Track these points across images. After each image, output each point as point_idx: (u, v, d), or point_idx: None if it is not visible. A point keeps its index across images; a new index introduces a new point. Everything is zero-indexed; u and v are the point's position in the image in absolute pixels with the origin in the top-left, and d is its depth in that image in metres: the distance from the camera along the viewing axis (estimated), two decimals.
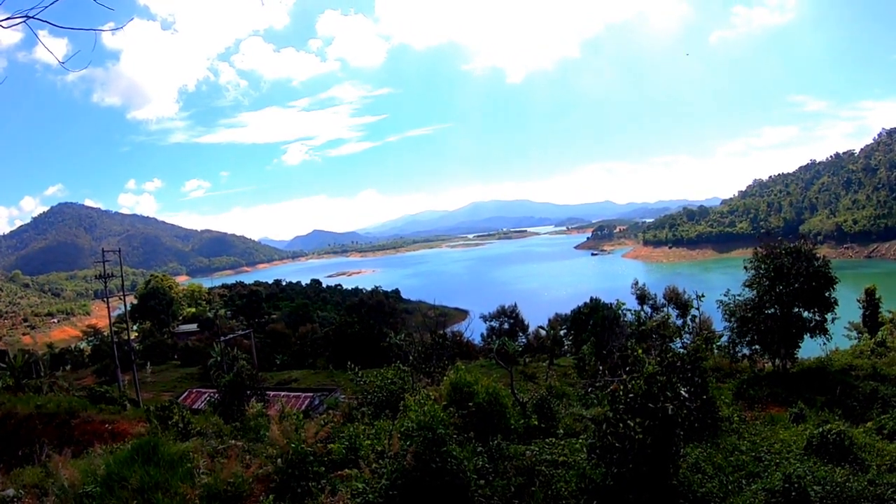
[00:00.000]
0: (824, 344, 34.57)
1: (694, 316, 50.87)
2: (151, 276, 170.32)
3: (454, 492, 12.06)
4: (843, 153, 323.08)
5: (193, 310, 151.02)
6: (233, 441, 15.90)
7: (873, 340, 39.72)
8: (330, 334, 79.20)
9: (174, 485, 12.16)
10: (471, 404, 16.14)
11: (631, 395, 12.32)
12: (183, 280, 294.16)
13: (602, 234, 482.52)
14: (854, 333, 48.46)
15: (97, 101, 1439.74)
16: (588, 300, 52.68)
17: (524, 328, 72.53)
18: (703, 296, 50.98)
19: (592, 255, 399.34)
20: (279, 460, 13.28)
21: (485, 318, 72.60)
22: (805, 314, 32.97)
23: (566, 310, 62.57)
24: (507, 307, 72.17)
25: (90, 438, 21.78)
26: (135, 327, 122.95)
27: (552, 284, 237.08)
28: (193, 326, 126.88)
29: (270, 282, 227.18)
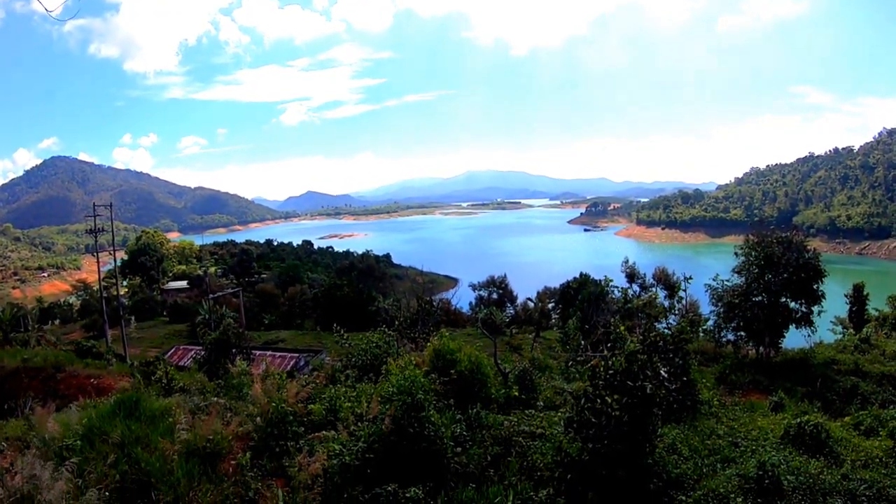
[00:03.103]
0: (809, 336, 34.92)
1: (681, 298, 51.15)
2: (143, 232, 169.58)
3: (430, 457, 12.10)
4: (843, 149, 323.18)
5: (184, 267, 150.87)
6: (215, 398, 15.91)
7: (858, 337, 40.01)
8: (319, 296, 79.24)
9: (154, 440, 12.19)
10: (453, 372, 16.16)
11: (611, 372, 12.32)
12: (174, 237, 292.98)
13: (596, 210, 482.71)
14: (839, 328, 48.82)
15: (94, 52, 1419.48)
16: (578, 275, 52.87)
17: (513, 299, 72.73)
18: (691, 278, 51.29)
19: (585, 230, 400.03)
20: (259, 419, 13.33)
21: (474, 287, 72.75)
22: (792, 304, 33.24)
23: (555, 283, 62.69)
24: (496, 278, 72.29)
25: (75, 393, 21.84)
26: (124, 283, 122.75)
27: (544, 258, 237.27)
28: (183, 284, 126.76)
29: (262, 241, 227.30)
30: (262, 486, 11.57)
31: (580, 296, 42.53)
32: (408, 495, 11.08)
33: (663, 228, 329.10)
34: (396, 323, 28.01)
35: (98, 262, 67.29)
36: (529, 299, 70.07)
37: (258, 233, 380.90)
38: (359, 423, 13.39)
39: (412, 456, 12.00)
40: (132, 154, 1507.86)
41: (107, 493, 10.54)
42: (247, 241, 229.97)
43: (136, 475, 11.06)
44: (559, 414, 14.92)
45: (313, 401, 15.12)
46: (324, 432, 13.47)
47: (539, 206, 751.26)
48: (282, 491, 11.43)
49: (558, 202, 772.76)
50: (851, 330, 46.15)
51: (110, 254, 67.79)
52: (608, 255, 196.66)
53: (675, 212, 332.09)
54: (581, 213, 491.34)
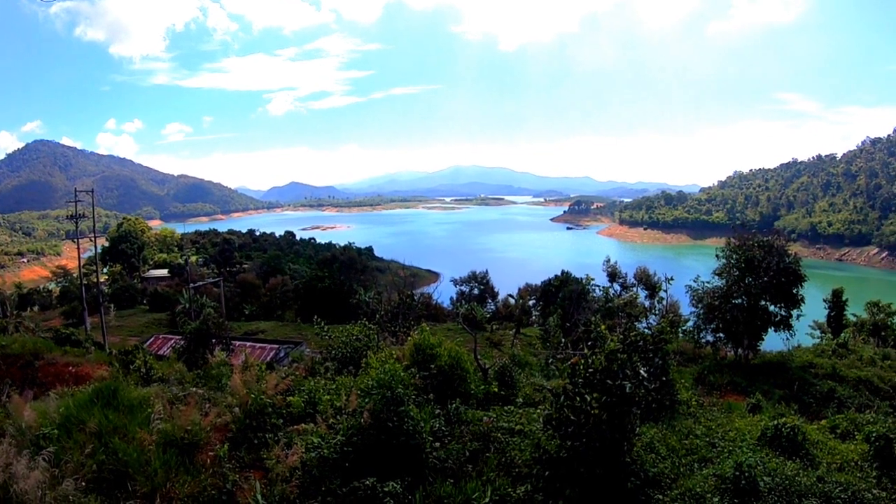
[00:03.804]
0: (787, 339, 35.24)
1: (662, 298, 51.46)
2: (124, 218, 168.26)
3: (409, 452, 12.11)
4: (826, 156, 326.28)
5: (165, 255, 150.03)
6: (193, 389, 15.82)
7: (836, 341, 40.43)
8: (300, 288, 79.03)
9: (132, 430, 12.08)
10: (432, 366, 16.19)
11: (590, 370, 12.37)
12: (156, 225, 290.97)
13: (579, 209, 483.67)
14: (817, 332, 49.36)
15: (80, 34, 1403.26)
16: (559, 273, 53.02)
17: (494, 295, 72.83)
18: (672, 279, 51.60)
19: (568, 228, 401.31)
20: (237, 410, 13.26)
21: (455, 283, 72.77)
22: (771, 308, 33.51)
23: (537, 280, 62.81)
24: (478, 273, 72.33)
25: (53, 381, 21.56)
26: (105, 270, 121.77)
27: (526, 255, 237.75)
28: (164, 272, 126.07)
29: (244, 231, 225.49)
30: (240, 478, 11.50)
31: (561, 294, 42.75)
32: (386, 489, 11.10)
33: (645, 229, 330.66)
34: (377, 316, 28.09)
35: (78, 248, 66.58)
36: (511, 296, 70.25)
37: (241, 222, 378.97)
38: (338, 417, 13.37)
39: (391, 450, 12.00)
40: (116, 140, 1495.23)
41: (83, 483, 10.46)
42: (229, 230, 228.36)
43: (113, 465, 10.98)
44: (538, 411, 14.98)
45: (292, 393, 15.08)
46: (302, 425, 13.45)
47: (523, 203, 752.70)
48: (259, 483, 11.37)
49: (542, 199, 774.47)
50: (830, 334, 46.65)
51: (91, 240, 66.89)
52: (590, 253, 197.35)
53: (658, 212, 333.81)
54: (564, 211, 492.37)
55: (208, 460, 11.81)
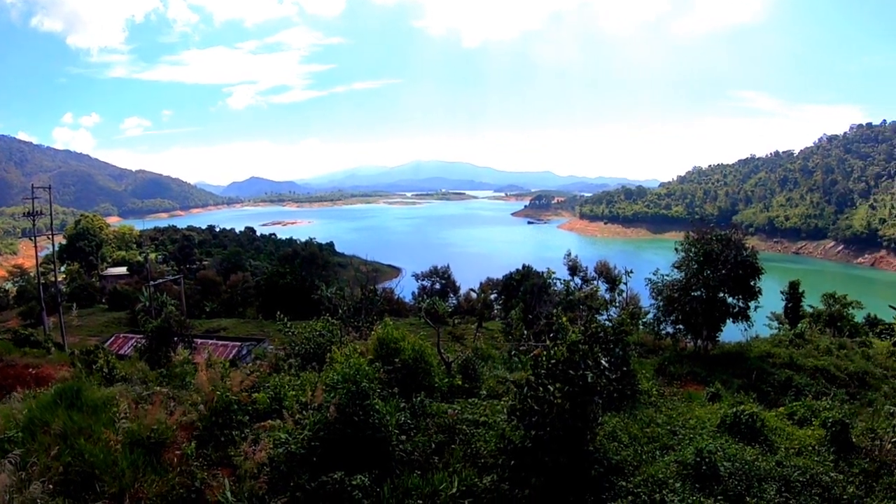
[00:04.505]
0: (745, 330, 35.85)
1: (622, 291, 52.09)
2: (82, 215, 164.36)
3: (375, 445, 12.21)
4: (783, 152, 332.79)
5: (123, 253, 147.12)
6: (158, 387, 15.74)
7: (792, 332, 41.16)
8: (261, 284, 78.31)
9: (97, 430, 11.98)
10: (396, 360, 16.32)
11: (553, 361, 12.59)
12: (114, 221, 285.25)
13: (540, 203, 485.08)
14: (775, 323, 50.29)
15: (37, 24, 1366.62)
16: (520, 267, 53.32)
17: (455, 290, 72.96)
18: (631, 272, 52.34)
19: (529, 223, 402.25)
20: (203, 408, 13.24)
21: (417, 277, 72.80)
22: (729, 300, 34.10)
23: (498, 275, 63.10)
24: (439, 268, 72.40)
25: (13, 383, 21.18)
26: (62, 269, 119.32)
27: (487, 250, 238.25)
28: (123, 270, 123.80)
29: (204, 227, 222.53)
30: (208, 476, 11.50)
31: (523, 287, 43.01)
32: (354, 482, 11.18)
33: (606, 223, 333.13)
34: (340, 311, 28.00)
35: (36, 246, 65.41)
36: (472, 290, 70.50)
37: (200, 218, 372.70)
38: (304, 412, 13.43)
39: (357, 444, 12.08)
40: (73, 134, 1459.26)
41: (50, 486, 10.38)
42: (188, 226, 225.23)
43: (79, 467, 10.89)
44: (502, 402, 15.16)
45: (257, 389, 15.09)
46: (269, 421, 13.48)
47: (484, 198, 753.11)
48: (228, 480, 11.39)
49: (503, 194, 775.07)
50: (787, 325, 47.54)
51: (48, 238, 65.77)
52: (551, 247, 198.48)
53: (618, 207, 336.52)
54: (525, 206, 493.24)
55: (175, 459, 11.78)
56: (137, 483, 10.84)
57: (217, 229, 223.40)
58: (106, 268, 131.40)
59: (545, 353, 12.90)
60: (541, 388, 12.50)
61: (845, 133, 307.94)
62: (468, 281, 75.00)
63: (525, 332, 31.99)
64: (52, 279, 74.67)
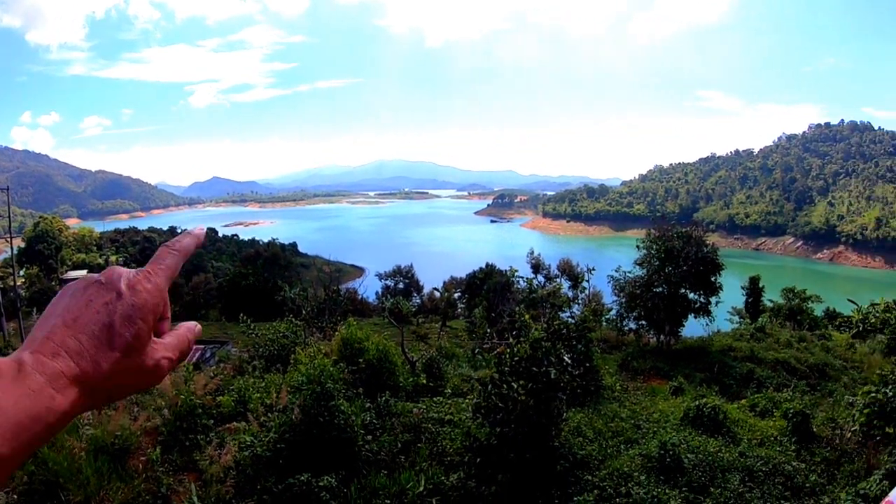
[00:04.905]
0: (707, 325, 36.49)
1: (584, 288, 52.48)
2: (41, 217, 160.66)
3: (341, 446, 12.25)
4: (743, 151, 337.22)
5: (84, 256, 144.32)
6: None
7: (753, 326, 41.82)
8: (224, 286, 77.41)
9: (60, 438, 11.86)
10: (361, 360, 16.34)
11: (516, 359, 12.74)
12: (74, 223, 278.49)
13: (503, 202, 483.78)
14: (736, 318, 51.05)
15: None
16: (484, 265, 53.40)
17: (419, 289, 72.63)
18: (593, 269, 52.67)
19: (492, 221, 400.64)
20: (167, 412, 13.15)
21: (380, 277, 72.27)
22: (691, 295, 34.58)
23: (462, 273, 63.12)
24: (403, 267, 72.16)
25: None
26: (21, 273, 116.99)
27: (450, 249, 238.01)
28: (83, 273, 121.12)
29: (165, 228, 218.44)
30: (174, 482, 11.45)
31: (486, 286, 43.09)
32: (321, 484, 11.19)
33: (568, 221, 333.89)
34: (304, 312, 27.87)
35: None
36: (436, 289, 70.23)
37: (162, 219, 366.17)
38: (269, 414, 13.42)
39: (324, 444, 12.09)
40: (31, 134, 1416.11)
41: (14, 496, 10.26)
42: (150, 228, 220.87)
43: (43, 475, 10.74)
44: (467, 400, 15.31)
45: (222, 392, 15.02)
46: (234, 424, 13.44)
47: (447, 197, 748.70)
48: (194, 485, 11.35)
49: (466, 193, 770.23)
50: (748, 319, 48.26)
51: (6, 241, 64.41)
52: (514, 246, 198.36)
53: (581, 205, 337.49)
54: (488, 205, 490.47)
55: (141, 465, 11.69)
56: (103, 491, 10.75)
57: (178, 230, 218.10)
58: (66, 271, 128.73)
59: (509, 350, 13.04)
60: (504, 386, 12.64)
61: (804, 132, 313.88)
62: (432, 280, 74.62)
63: (488, 330, 32.10)
64: (11, 283, 72.94)
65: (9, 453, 0.63)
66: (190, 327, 0.97)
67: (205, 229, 1.06)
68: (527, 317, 14.38)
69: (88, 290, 0.80)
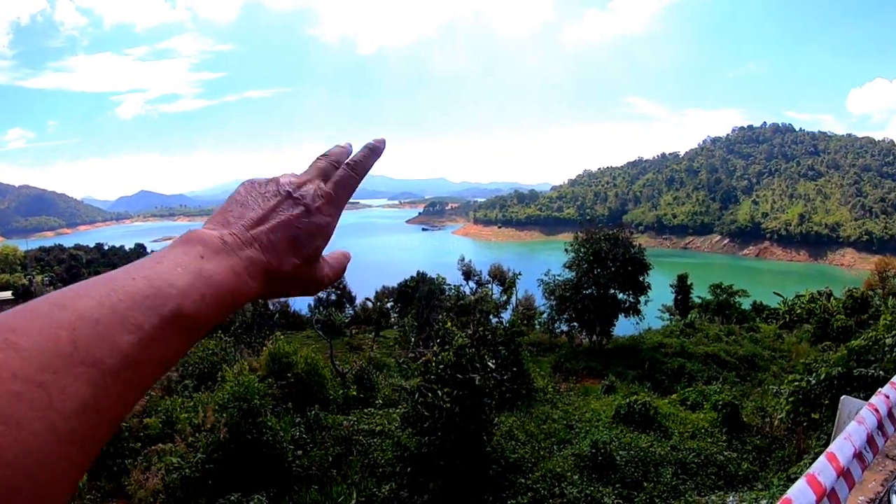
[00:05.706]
0: (638, 323, 37.39)
1: (513, 293, 53.00)
2: None
3: (271, 462, 12.17)
4: (669, 154, 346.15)
5: (7, 276, 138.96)
6: None
7: (683, 322, 42.98)
8: None
9: None
10: (289, 374, 16.26)
11: (441, 366, 12.90)
12: None
13: (434, 210, 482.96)
14: (666, 315, 52.23)
15: None
16: (415, 273, 53.45)
17: (351, 300, 72.43)
18: (520, 274, 53.33)
19: (423, 230, 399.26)
20: None
21: None
22: (620, 295, 35.40)
23: (394, 282, 63.19)
24: None
25: None
26: None
27: (383, 258, 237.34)
28: (7, 294, 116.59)
29: (92, 246, 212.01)
30: None
31: (417, 294, 43.20)
32: (251, 503, 11.13)
33: (500, 227, 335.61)
34: (232, 328, 27.50)
35: None
36: (368, 299, 70.12)
37: (88, 236, 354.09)
38: (196, 434, 13.25)
39: (253, 462, 12.00)
40: None
41: None
42: (76, 245, 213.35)
43: None
44: (398, 411, 15.37)
45: (149, 414, 14.74)
46: (160, 445, 13.21)
47: (378, 206, 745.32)
48: None
49: (398, 202, 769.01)
50: (677, 316, 49.56)
51: None
52: (446, 253, 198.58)
53: (511, 211, 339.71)
54: (420, 213, 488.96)
55: None
56: None
57: (106, 247, 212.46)
58: None
59: (434, 358, 13.16)
60: (430, 394, 12.76)
61: (728, 135, 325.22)
62: (365, 290, 74.10)
63: (413, 339, 32.25)
64: None
65: (208, 321, 0.67)
66: (345, 253, 1.08)
67: (384, 140, 1.11)
68: (449, 324, 14.48)
69: (279, 198, 0.89)
